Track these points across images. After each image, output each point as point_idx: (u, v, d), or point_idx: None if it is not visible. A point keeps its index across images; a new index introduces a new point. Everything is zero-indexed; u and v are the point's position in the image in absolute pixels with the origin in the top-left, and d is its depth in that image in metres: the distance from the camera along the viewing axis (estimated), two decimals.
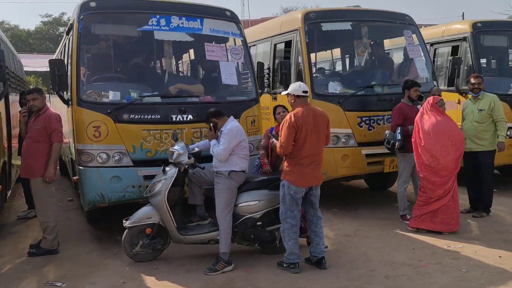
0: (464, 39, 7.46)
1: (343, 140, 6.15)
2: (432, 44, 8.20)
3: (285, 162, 4.33)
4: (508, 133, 6.96)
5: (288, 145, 4.19)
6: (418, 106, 5.70)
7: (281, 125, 4.40)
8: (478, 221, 5.71)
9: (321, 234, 4.39)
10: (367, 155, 6.20)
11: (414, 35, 7.03)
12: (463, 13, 41.52)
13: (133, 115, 4.90)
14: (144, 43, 5.72)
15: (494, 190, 7.33)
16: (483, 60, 8.49)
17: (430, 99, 5.33)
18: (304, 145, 4.21)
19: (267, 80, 7.12)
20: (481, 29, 7.41)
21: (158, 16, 5.22)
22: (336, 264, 4.43)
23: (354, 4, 14.04)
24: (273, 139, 4.70)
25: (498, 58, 8.32)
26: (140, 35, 5.54)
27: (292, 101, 4.37)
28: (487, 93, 5.98)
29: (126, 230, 4.50)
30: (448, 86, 7.33)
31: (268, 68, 7.23)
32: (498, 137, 5.77)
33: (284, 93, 4.59)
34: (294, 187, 4.21)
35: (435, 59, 8.18)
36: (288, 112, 4.75)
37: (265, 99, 6.72)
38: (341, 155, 6.13)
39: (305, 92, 4.37)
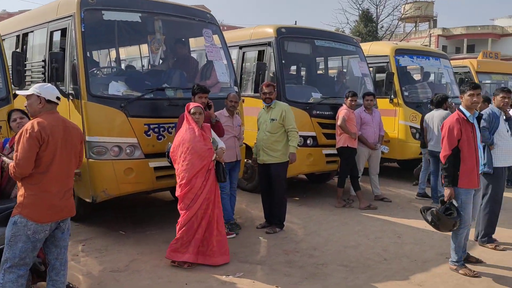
0: (269, 44, 7.21)
1: (126, 151, 5.20)
2: (241, 47, 7.83)
3: (21, 189, 3.14)
4: (308, 141, 6.98)
5: (28, 164, 3.02)
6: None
7: (17, 136, 3.21)
8: (269, 238, 5.34)
9: (62, 285, 3.34)
10: (156, 168, 5.37)
11: (215, 36, 6.47)
12: (296, 21, 44.76)
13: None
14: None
15: (296, 198, 7.34)
16: (293, 67, 8.49)
17: (188, 105, 4.65)
18: (52, 166, 3.10)
19: (42, 75, 5.81)
20: (285, 34, 7.23)
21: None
22: None
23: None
24: (4, 157, 3.48)
25: (302, 66, 8.36)
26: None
27: (39, 106, 3.19)
28: (279, 102, 5.69)
29: None
30: (254, 92, 7.08)
31: (44, 61, 5.89)
32: (289, 148, 5.50)
33: (23, 92, 3.39)
34: (35, 225, 3.06)
35: (243, 63, 7.83)
36: (29, 119, 3.59)
37: None
38: (124, 168, 5.18)
39: (58, 98, 3.28)
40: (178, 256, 4.39)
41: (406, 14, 41.51)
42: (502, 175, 4.95)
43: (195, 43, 7.22)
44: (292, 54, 7.67)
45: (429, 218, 4.32)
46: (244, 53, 7.83)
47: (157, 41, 6.06)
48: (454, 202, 4.23)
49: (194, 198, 4.37)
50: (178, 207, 4.47)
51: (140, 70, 6.75)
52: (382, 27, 38.67)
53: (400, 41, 35.75)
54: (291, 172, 6.90)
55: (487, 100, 6.72)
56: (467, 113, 4.18)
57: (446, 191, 4.24)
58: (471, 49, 44.81)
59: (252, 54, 7.78)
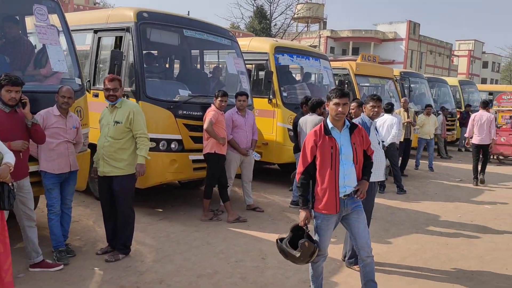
0: (128, 29, 6.12)
1: None
2: (96, 31, 6.62)
3: None
4: (173, 146, 6.08)
5: None
6: None
7: None
8: (107, 269, 4.33)
9: None
10: None
11: (55, 15, 5.22)
12: (188, 11, 43.28)
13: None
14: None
15: (159, 210, 6.41)
16: (157, 59, 7.44)
17: None
18: None
19: None
20: (147, 20, 6.20)
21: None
22: None
23: None
24: None
25: (167, 58, 7.39)
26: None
27: None
28: (127, 101, 4.69)
29: None
30: None
31: None
32: (137, 158, 4.53)
33: None
34: None
35: (99, 51, 6.63)
36: None
37: None
38: None
39: None
40: None
41: (298, 14, 42.66)
42: (371, 192, 4.54)
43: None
44: (155, 44, 6.67)
45: (296, 254, 3.58)
46: (100, 38, 6.62)
47: None
48: (312, 227, 3.64)
49: None
50: None
51: None
52: (276, 25, 39.27)
53: (292, 40, 36.55)
54: (151, 181, 6.00)
55: (361, 105, 6.42)
56: (330, 125, 3.59)
57: (302, 214, 3.62)
58: (356, 51, 47.58)
59: (109, 40, 6.61)
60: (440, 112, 14.02)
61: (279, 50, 8.53)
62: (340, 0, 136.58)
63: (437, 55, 55.52)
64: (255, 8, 38.06)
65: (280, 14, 39.08)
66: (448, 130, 15.07)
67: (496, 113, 13.25)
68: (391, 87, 12.30)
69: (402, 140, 9.61)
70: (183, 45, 7.02)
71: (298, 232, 3.62)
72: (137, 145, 4.53)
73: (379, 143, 4.61)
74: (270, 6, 38.24)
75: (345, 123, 3.59)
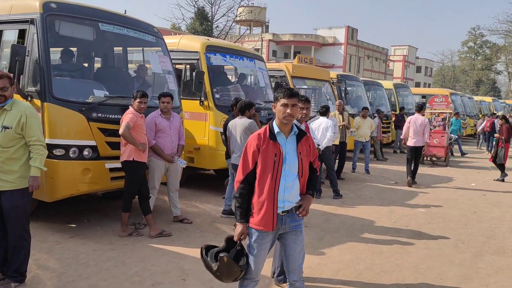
0: (32, 21, 5.38)
1: None
2: None
3: None
4: (86, 153, 5.40)
5: None
6: None
7: None
8: None
9: None
10: None
11: None
12: (125, 10, 41.80)
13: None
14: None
15: (72, 225, 5.71)
16: (67, 55, 6.63)
17: None
18: None
19: None
20: (55, 11, 5.48)
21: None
22: None
23: None
24: None
25: (81, 54, 6.65)
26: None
27: None
28: (20, 102, 3.98)
29: None
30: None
31: None
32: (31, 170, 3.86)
33: None
34: None
35: (1, 46, 5.82)
36: None
37: None
38: None
39: None
40: None
41: (240, 17, 42.40)
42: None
43: None
44: (66, 38, 5.93)
45: (214, 266, 3.18)
46: (1, 31, 5.81)
47: None
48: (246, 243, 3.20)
49: None
50: None
51: None
52: (217, 26, 38.78)
53: (234, 42, 36.21)
54: (61, 193, 5.32)
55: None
56: (276, 129, 3.11)
57: (238, 228, 3.17)
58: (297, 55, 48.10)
59: (12, 34, 5.82)
60: (376, 114, 14.17)
61: (211, 49, 8.06)
62: (282, 4, 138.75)
63: (374, 60, 57.59)
64: (196, 9, 37.41)
65: (222, 16, 38.47)
66: (384, 132, 15.30)
67: (430, 115, 13.58)
68: (328, 90, 12.20)
69: (337, 143, 9.47)
70: (100, 40, 6.31)
71: (233, 244, 3.19)
72: (30, 155, 3.86)
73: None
74: (212, 7, 37.74)
75: (292, 128, 3.15)
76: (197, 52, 7.94)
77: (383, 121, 15.24)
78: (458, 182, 10.84)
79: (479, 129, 20.22)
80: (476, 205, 8.27)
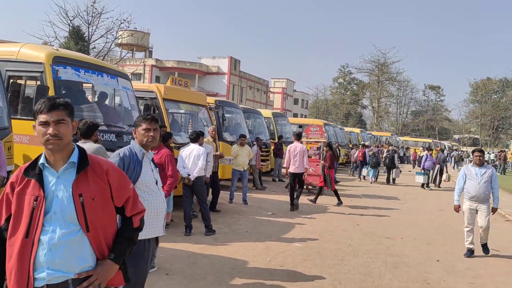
0: None
1: None
2: None
3: None
4: None
5: None
6: None
7: None
8: None
9: None
10: None
11: None
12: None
13: None
14: None
15: None
16: None
17: None
18: None
19: None
20: None
21: None
22: None
23: None
24: None
25: None
26: None
27: None
28: None
29: None
30: None
31: None
32: None
33: None
34: None
35: None
36: None
37: None
38: None
39: None
40: None
41: (121, 40, 40.29)
42: (143, 254, 3.13)
43: None
44: None
45: None
46: None
47: None
48: None
49: None
50: None
51: None
52: (95, 47, 36.22)
53: (115, 64, 34.03)
54: None
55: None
56: (41, 159, 2.09)
57: None
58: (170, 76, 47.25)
59: None
60: (255, 142, 13.81)
61: (60, 61, 6.74)
62: (167, 31, 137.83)
63: (256, 91, 59.36)
64: (71, 28, 34.52)
65: (100, 37, 36.03)
66: (263, 160, 15.03)
67: (306, 144, 13.63)
68: (205, 115, 11.45)
69: (210, 173, 8.67)
70: None
71: None
72: None
73: (156, 183, 3.28)
74: (88, 28, 35.15)
75: (71, 155, 2.13)
76: (41, 63, 6.55)
77: (262, 149, 14.99)
78: (332, 210, 10.85)
79: (353, 158, 21.34)
80: (351, 237, 8.05)
